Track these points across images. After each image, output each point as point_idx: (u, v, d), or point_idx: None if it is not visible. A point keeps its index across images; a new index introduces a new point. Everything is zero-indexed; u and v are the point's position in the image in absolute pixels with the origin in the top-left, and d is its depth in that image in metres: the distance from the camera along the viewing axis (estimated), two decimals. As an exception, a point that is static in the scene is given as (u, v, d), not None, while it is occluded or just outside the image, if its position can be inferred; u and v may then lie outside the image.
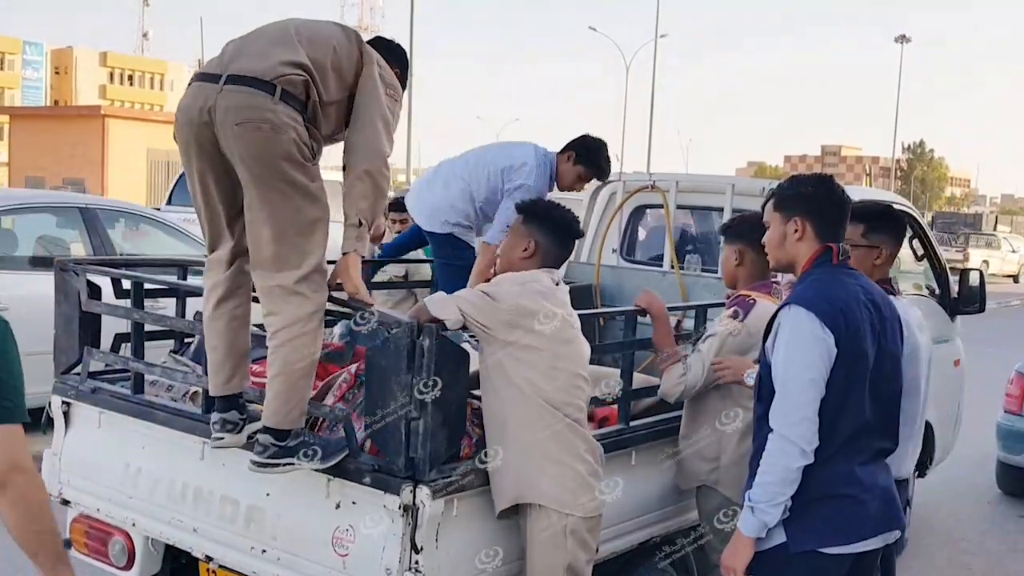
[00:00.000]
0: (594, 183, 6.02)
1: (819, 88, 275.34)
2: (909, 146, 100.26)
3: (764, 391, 3.00)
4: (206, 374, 3.55)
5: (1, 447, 2.20)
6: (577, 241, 3.80)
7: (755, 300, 3.77)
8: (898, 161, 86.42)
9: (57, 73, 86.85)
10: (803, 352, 2.87)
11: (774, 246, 3.09)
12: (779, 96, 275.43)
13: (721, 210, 6.41)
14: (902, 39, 64.48)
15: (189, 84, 3.31)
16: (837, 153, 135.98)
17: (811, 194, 3.03)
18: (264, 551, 3.44)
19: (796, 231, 3.01)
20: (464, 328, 3.24)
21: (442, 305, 3.21)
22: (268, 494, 3.46)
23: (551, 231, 3.49)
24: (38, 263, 7.38)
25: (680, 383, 3.72)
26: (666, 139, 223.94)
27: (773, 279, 3.88)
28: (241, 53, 3.27)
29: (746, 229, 3.85)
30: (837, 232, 3.03)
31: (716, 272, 6.43)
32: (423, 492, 3.09)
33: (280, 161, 3.11)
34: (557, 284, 3.45)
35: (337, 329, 4.25)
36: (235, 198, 3.24)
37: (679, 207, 6.59)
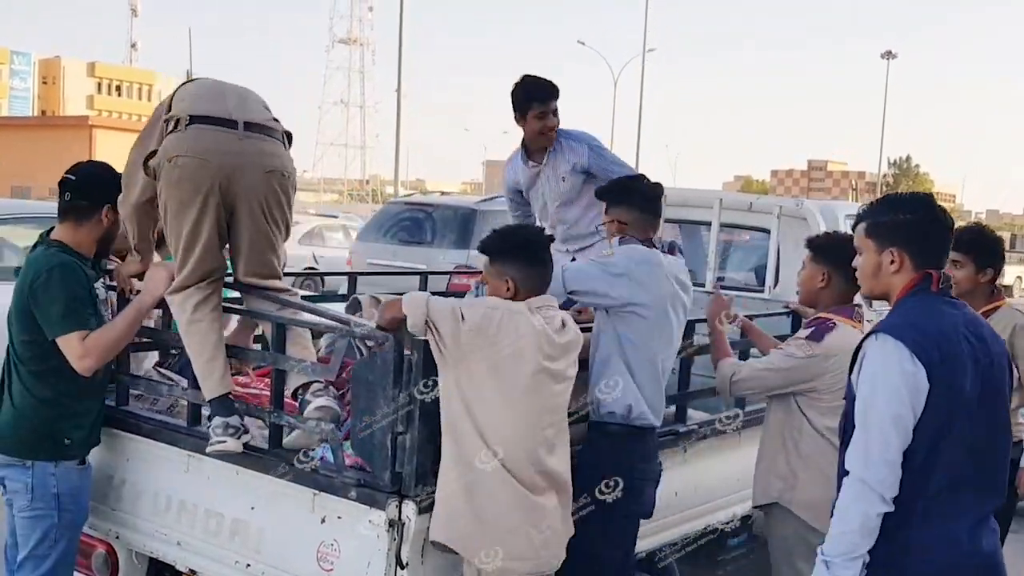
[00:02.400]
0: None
1: (806, 103, 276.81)
2: (895, 161, 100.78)
3: (850, 429, 2.67)
4: (192, 387, 3.55)
5: (67, 351, 3.50)
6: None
7: (835, 324, 3.65)
8: (884, 176, 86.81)
9: (45, 83, 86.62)
10: (888, 386, 2.54)
11: (867, 276, 2.78)
12: (766, 110, 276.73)
13: (709, 224, 6.43)
14: (888, 55, 64.91)
15: (188, 125, 3.44)
16: (824, 168, 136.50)
17: (909, 222, 2.70)
18: (248, 565, 3.42)
19: (893, 262, 2.69)
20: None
21: (414, 304, 3.06)
22: (253, 507, 3.44)
23: (521, 259, 3.24)
24: (24, 273, 7.32)
25: (729, 376, 3.81)
26: (654, 152, 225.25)
27: (856, 304, 3.76)
28: (239, 101, 3.56)
29: (836, 251, 3.68)
30: (939, 259, 2.72)
31: (704, 287, 6.46)
32: (409, 507, 3.07)
33: (287, 206, 3.64)
34: (563, 325, 3.21)
35: (323, 341, 4.24)
36: (224, 233, 3.56)
37: (666, 220, 6.60)
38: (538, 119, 4.56)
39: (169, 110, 3.57)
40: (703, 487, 4.24)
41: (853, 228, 2.87)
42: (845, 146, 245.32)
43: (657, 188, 3.87)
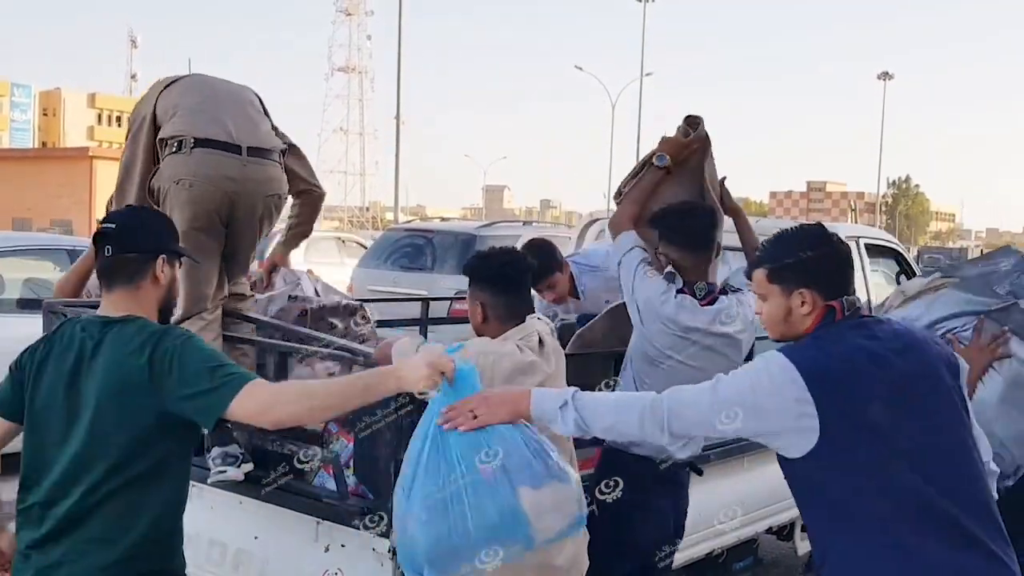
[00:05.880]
0: (585, 218, 6.05)
1: (804, 124, 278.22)
2: (894, 181, 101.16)
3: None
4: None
5: (247, 412, 2.42)
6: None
7: None
8: (883, 196, 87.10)
9: (45, 115, 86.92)
10: (760, 375, 2.47)
11: (778, 321, 2.63)
12: (764, 132, 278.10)
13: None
14: (885, 76, 65.36)
15: (193, 148, 3.51)
16: (822, 189, 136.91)
17: (811, 259, 2.61)
18: (252, 595, 3.40)
19: (804, 303, 2.58)
20: None
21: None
22: (256, 537, 3.43)
23: (492, 286, 3.15)
24: (25, 305, 7.34)
25: None
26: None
27: None
28: (239, 119, 3.63)
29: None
30: (844, 289, 2.62)
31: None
32: (413, 534, 3.06)
33: (275, 221, 3.83)
34: (541, 343, 3.08)
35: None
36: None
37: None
38: None
39: (155, 118, 3.65)
40: (708, 511, 4.23)
41: (747, 274, 2.77)
42: (844, 167, 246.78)
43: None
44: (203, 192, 3.51)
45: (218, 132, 3.55)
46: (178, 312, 3.54)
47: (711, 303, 3.54)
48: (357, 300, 4.66)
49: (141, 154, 3.67)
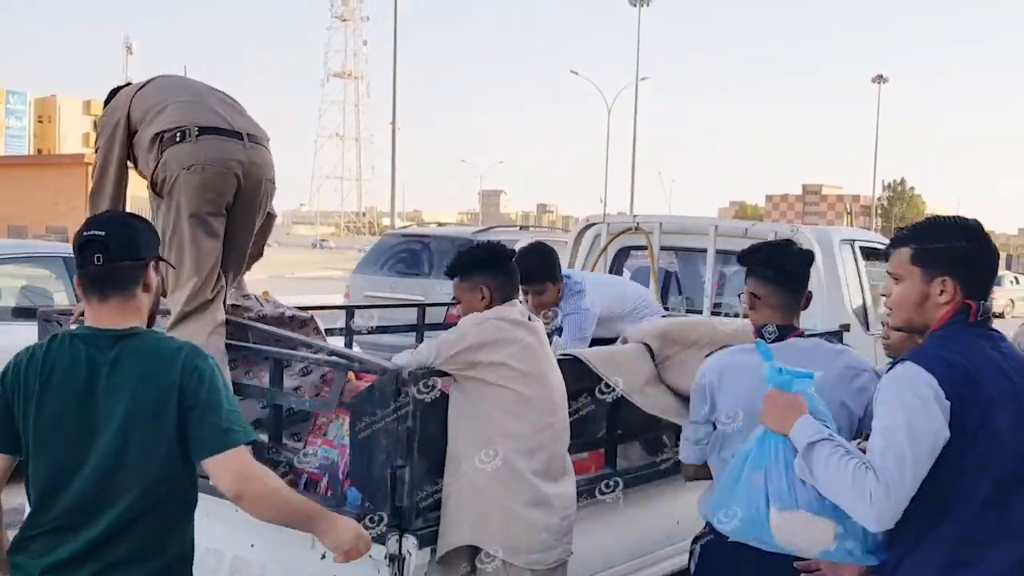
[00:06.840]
0: (581, 222, 6.04)
1: (799, 128, 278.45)
2: (890, 184, 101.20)
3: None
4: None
5: (232, 467, 2.34)
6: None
7: None
8: (879, 199, 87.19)
9: (40, 122, 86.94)
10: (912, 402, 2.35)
11: (909, 305, 2.53)
12: (760, 136, 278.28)
13: (704, 251, 6.45)
14: (879, 79, 65.49)
15: (198, 137, 3.56)
16: (818, 192, 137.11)
17: (964, 250, 2.50)
18: (249, 603, 3.39)
19: (942, 292, 2.48)
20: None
21: (423, 351, 3.27)
22: (253, 545, 3.42)
23: (491, 270, 3.40)
24: (21, 313, 7.32)
25: None
26: (649, 180, 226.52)
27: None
28: (226, 109, 3.72)
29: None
30: (984, 290, 2.52)
31: (700, 313, 6.47)
32: (409, 542, 3.06)
33: (268, 208, 3.89)
34: (529, 318, 3.41)
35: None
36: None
37: (663, 248, 6.64)
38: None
39: (129, 121, 3.69)
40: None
41: (887, 251, 2.62)
42: (840, 170, 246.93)
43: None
44: (214, 176, 3.59)
45: (217, 120, 3.65)
46: (182, 298, 3.54)
47: None
48: (287, 311, 4.36)
49: (115, 156, 3.74)
